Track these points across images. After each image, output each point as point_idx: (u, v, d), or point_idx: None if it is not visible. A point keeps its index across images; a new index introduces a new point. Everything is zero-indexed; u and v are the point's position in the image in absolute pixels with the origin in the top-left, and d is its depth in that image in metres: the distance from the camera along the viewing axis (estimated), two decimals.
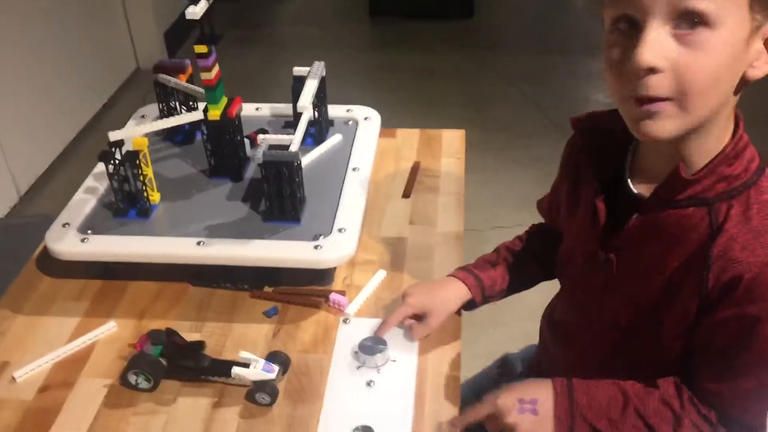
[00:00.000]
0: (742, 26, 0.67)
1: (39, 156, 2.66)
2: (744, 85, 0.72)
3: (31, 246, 1.17)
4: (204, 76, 1.08)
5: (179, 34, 3.49)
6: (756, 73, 0.71)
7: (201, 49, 1.05)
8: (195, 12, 1.00)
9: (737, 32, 0.67)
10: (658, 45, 0.67)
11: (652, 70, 0.68)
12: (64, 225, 1.07)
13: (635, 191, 0.82)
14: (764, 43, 0.70)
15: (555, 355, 1.03)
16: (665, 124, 0.71)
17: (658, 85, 0.69)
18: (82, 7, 2.89)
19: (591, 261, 0.86)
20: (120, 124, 1.20)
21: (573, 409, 0.81)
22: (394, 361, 0.96)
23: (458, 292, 1.01)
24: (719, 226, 0.73)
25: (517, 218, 2.49)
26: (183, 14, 3.50)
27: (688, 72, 0.68)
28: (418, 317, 0.99)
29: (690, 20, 0.67)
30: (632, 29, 0.69)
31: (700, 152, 0.75)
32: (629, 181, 0.83)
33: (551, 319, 1.06)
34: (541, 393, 0.83)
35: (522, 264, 1.06)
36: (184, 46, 3.52)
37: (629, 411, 0.80)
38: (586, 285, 0.89)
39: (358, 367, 0.96)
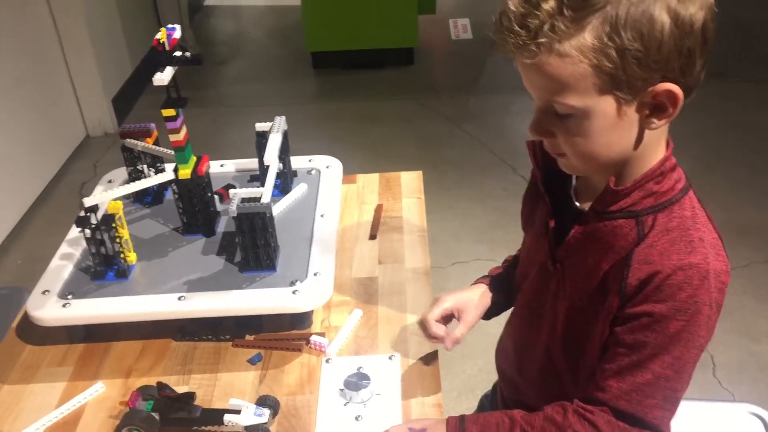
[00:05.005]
0: (609, 107, 0.76)
1: None
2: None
3: (2, 318, 1.18)
4: (173, 137, 1.13)
5: (127, 100, 3.51)
6: (653, 127, 0.79)
7: (169, 112, 1.10)
8: (162, 78, 1.05)
9: (606, 113, 0.77)
10: (539, 123, 0.81)
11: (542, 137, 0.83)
12: (44, 292, 1.09)
13: (579, 207, 0.91)
14: (640, 108, 0.77)
15: (511, 378, 1.10)
16: (571, 167, 0.86)
17: (552, 145, 0.84)
18: (28, 79, 2.89)
19: (543, 271, 0.95)
20: (73, 193, 1.24)
21: None
22: (379, 394, 1.00)
23: (480, 289, 1.08)
24: (644, 236, 0.82)
25: (475, 253, 2.56)
26: (129, 81, 3.52)
27: (567, 147, 0.81)
28: (448, 320, 1.04)
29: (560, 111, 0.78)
30: None
31: (628, 173, 0.84)
32: (574, 199, 0.92)
33: (501, 346, 1.13)
34: (432, 425, 0.90)
35: (502, 288, 1.11)
36: (132, 112, 3.55)
37: (516, 431, 0.86)
38: (539, 296, 0.97)
39: (345, 404, 0.99)
